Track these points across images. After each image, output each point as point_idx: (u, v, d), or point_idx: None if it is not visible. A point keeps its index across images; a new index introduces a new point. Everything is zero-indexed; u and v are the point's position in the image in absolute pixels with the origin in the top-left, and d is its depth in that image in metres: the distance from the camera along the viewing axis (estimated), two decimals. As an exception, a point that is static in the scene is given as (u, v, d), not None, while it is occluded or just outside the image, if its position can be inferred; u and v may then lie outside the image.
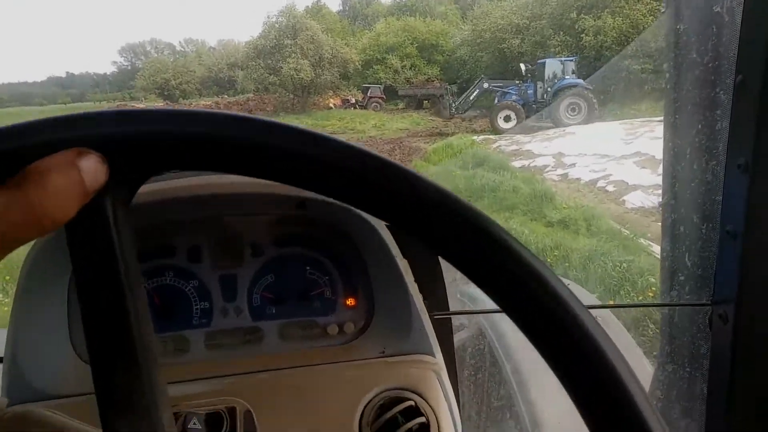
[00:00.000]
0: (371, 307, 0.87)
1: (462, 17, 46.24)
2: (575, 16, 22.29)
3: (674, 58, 0.89)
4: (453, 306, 1.00)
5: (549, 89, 17.30)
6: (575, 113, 16.27)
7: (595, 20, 21.30)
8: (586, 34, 21.29)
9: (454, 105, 19.07)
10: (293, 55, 29.73)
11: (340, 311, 0.87)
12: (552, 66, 18.14)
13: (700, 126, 0.86)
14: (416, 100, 28.66)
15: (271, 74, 30.31)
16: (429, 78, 34.56)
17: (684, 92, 0.87)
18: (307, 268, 0.88)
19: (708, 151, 0.86)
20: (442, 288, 0.97)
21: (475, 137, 16.29)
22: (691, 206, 0.92)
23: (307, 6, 45.63)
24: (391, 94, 30.62)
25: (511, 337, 1.73)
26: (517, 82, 18.93)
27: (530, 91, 17.76)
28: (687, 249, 0.94)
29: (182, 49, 68.33)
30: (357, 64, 33.03)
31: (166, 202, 0.75)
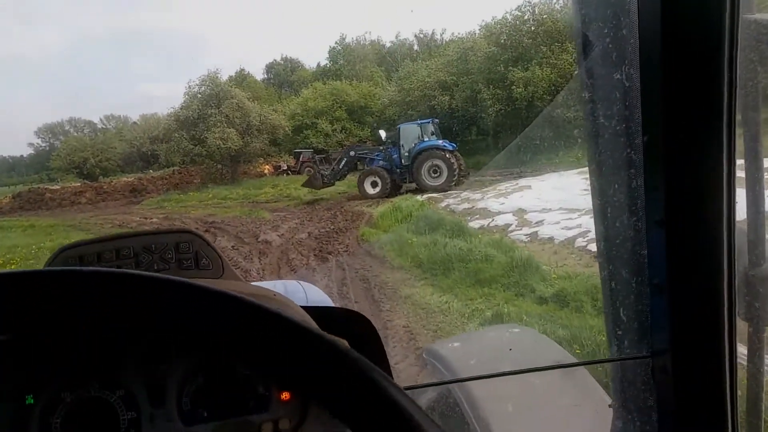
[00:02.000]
0: (306, 399, 0.82)
1: (387, 78, 47.14)
2: (503, 69, 22.55)
3: (587, 124, 0.91)
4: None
5: (407, 154, 17.65)
6: (436, 175, 16.90)
7: (524, 72, 21.56)
8: (517, 86, 21.45)
9: (326, 174, 19.07)
10: (219, 124, 28.51)
11: (275, 407, 0.81)
12: (408, 130, 18.60)
13: (617, 186, 0.88)
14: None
15: (196, 145, 28.89)
16: (361, 139, 34.39)
17: (599, 155, 0.90)
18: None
19: (628, 208, 0.88)
20: (386, 363, 0.94)
21: (419, 197, 15.50)
22: (619, 262, 0.93)
23: (231, 75, 44.79)
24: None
25: (481, 398, 1.58)
26: (381, 147, 19.29)
27: (395, 156, 18.02)
28: (621, 304, 0.94)
29: (104, 126, 66.21)
30: (287, 129, 32.26)
31: None
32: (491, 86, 23.36)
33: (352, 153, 19.29)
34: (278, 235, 11.95)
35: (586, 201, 9.07)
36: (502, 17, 25.14)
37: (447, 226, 9.45)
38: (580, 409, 1.55)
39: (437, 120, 20.39)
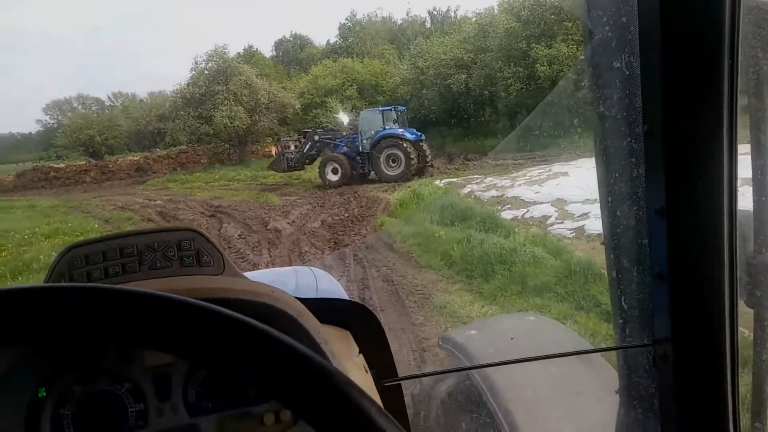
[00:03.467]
0: None
1: (399, 56, 45.84)
2: (525, 46, 21.27)
3: (590, 113, 0.92)
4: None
5: (365, 141, 17.30)
6: (395, 165, 16.59)
7: (548, 49, 20.27)
8: (541, 64, 20.19)
9: (292, 158, 18.72)
10: (226, 102, 27.53)
11: None
12: (369, 117, 18.20)
13: (617, 174, 0.87)
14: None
15: (203, 124, 27.97)
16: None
17: (602, 143, 0.89)
18: None
19: (630, 197, 0.87)
20: (389, 355, 0.98)
21: (438, 182, 14.51)
22: (622, 251, 0.92)
23: (238, 52, 43.54)
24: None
25: (499, 384, 1.59)
26: (344, 133, 19.09)
27: (357, 143, 17.58)
28: (623, 292, 0.94)
29: (111, 104, 65.70)
30: (296, 108, 31.20)
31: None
32: (512, 64, 22.10)
33: (316, 137, 18.80)
34: (288, 223, 11.03)
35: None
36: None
37: (477, 217, 8.46)
38: (594, 394, 1.53)
39: (403, 108, 19.81)
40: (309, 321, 0.81)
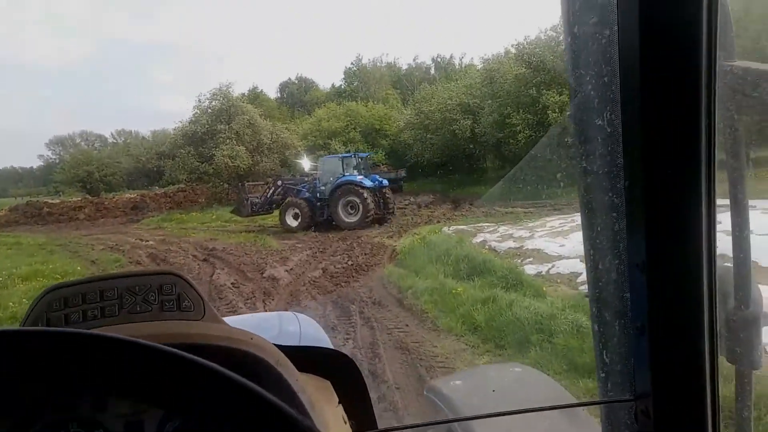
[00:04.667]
0: None
1: (403, 101, 46.00)
2: (535, 92, 20.88)
3: (574, 167, 0.92)
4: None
5: (323, 188, 17.24)
6: (353, 212, 16.37)
7: (559, 96, 19.83)
8: (552, 111, 19.70)
9: (256, 203, 18.59)
10: (228, 141, 27.03)
11: None
12: (328, 163, 18.25)
13: (599, 228, 0.87)
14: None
15: (203, 163, 27.39)
16: (375, 164, 33.03)
17: (585, 198, 0.89)
18: None
19: (611, 251, 0.86)
20: (369, 405, 0.99)
21: (445, 229, 13.68)
22: (603, 304, 0.91)
23: (243, 93, 43.54)
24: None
25: None
26: (306, 179, 19.03)
27: (322, 188, 17.42)
28: (605, 346, 0.91)
29: (114, 141, 66.04)
30: (299, 149, 30.74)
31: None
32: (521, 110, 21.66)
33: (279, 183, 18.91)
34: (287, 271, 10.12)
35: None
36: (536, 37, 23.55)
37: (497, 271, 7.56)
38: None
39: (366, 154, 19.96)
40: (287, 369, 0.80)
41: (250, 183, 20.79)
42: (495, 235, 11.32)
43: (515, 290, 6.63)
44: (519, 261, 8.55)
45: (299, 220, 16.83)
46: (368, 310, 6.98)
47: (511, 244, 9.91)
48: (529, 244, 9.39)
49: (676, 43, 0.73)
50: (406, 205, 22.18)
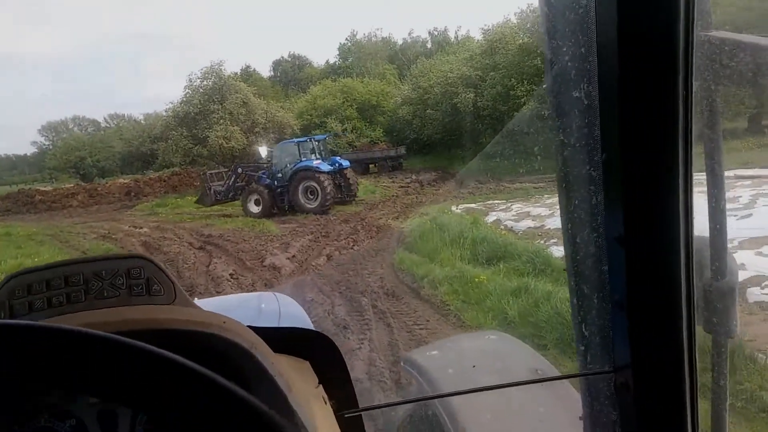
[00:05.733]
0: None
1: (400, 76, 44.84)
2: (540, 63, 19.95)
3: (553, 140, 0.91)
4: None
5: (280, 175, 17.14)
6: (312, 197, 16.29)
7: (567, 65, 18.93)
8: (559, 81, 18.83)
9: (219, 191, 18.39)
10: (221, 121, 26.09)
11: None
12: (284, 149, 18.14)
13: (577, 202, 0.87)
14: (362, 165, 25.88)
15: (196, 144, 26.50)
16: (373, 141, 32.15)
17: (563, 171, 0.88)
18: None
19: (589, 224, 0.86)
20: (349, 385, 0.96)
21: (453, 207, 12.98)
22: (582, 278, 0.91)
23: (235, 72, 42.31)
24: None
25: (459, 410, 1.54)
26: (265, 165, 18.85)
27: (279, 175, 17.26)
28: (583, 320, 0.92)
29: (107, 125, 64.75)
30: (295, 128, 29.84)
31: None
32: (525, 81, 20.79)
33: (239, 170, 18.58)
34: (288, 258, 9.43)
35: (734, 225, 6.56)
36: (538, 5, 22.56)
37: (522, 255, 6.87)
38: (557, 421, 1.49)
39: (324, 137, 19.81)
40: (262, 352, 0.77)
41: (212, 172, 20.31)
42: (509, 214, 10.63)
43: (546, 277, 5.94)
44: (542, 242, 7.86)
45: (260, 206, 16.75)
46: (381, 302, 6.29)
47: (529, 223, 9.22)
48: (550, 223, 8.69)
49: (654, 13, 0.71)
50: (408, 183, 21.47)
